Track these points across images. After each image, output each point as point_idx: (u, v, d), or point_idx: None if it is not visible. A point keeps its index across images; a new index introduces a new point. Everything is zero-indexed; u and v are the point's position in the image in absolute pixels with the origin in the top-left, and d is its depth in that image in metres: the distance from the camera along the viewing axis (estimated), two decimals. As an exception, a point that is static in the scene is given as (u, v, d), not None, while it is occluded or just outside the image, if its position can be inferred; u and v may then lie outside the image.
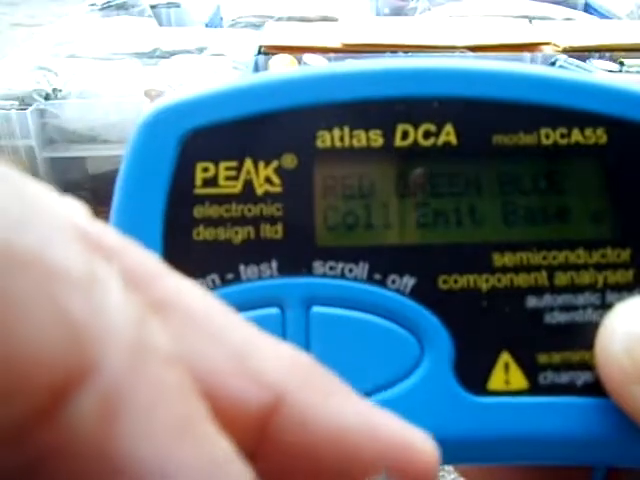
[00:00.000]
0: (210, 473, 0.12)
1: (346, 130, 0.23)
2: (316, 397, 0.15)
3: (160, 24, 1.83)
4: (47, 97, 1.59)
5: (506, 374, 0.22)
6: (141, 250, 0.15)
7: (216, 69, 1.49)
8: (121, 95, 1.50)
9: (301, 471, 0.15)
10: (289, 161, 0.22)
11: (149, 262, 0.15)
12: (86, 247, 0.13)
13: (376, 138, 0.23)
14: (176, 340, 0.14)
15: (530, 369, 0.22)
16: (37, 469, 0.12)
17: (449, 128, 0.23)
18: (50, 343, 0.11)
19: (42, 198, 0.13)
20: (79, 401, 0.12)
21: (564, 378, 0.22)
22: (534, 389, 0.22)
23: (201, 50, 1.61)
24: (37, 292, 0.12)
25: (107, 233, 0.14)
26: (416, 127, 0.23)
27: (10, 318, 0.11)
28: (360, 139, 0.23)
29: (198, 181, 0.22)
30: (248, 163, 0.22)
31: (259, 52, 1.43)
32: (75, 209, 0.14)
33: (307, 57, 1.32)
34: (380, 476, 0.13)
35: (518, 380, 0.22)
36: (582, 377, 0.22)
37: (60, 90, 1.60)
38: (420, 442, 0.15)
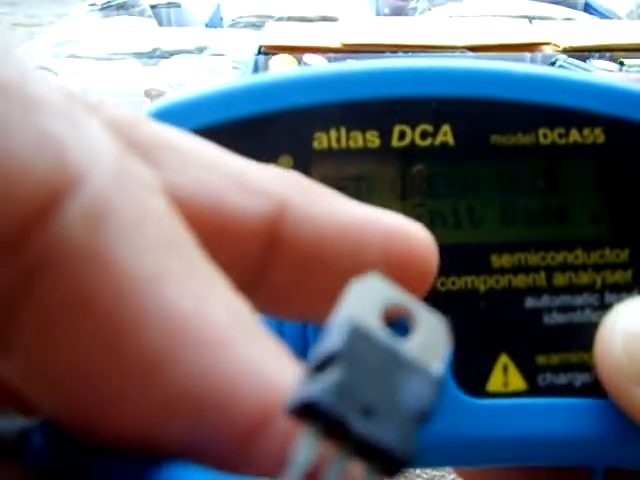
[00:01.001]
0: (201, 287, 0.12)
1: (343, 131, 0.22)
2: (316, 201, 0.16)
3: (160, 24, 1.83)
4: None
5: (505, 376, 0.22)
6: (118, 107, 0.15)
7: (216, 69, 1.49)
8: (121, 95, 1.50)
9: (313, 272, 0.15)
10: (286, 163, 0.22)
11: (128, 113, 0.15)
12: (66, 94, 0.13)
13: (373, 139, 0.23)
14: (172, 173, 0.14)
15: (529, 370, 0.22)
16: (32, 278, 0.12)
17: (446, 128, 0.23)
18: (36, 158, 0.12)
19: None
20: (67, 209, 0.12)
21: (563, 379, 0.22)
22: (533, 390, 0.22)
23: (201, 50, 1.60)
24: (20, 115, 0.12)
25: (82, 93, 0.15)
26: (413, 127, 0.23)
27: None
28: (357, 140, 0.22)
29: None
30: None
31: (259, 52, 1.43)
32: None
33: (307, 57, 1.32)
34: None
35: (517, 381, 0.22)
36: (581, 378, 0.22)
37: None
38: (419, 232, 0.16)
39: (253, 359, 0.12)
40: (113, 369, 0.12)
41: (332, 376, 0.12)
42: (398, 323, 0.13)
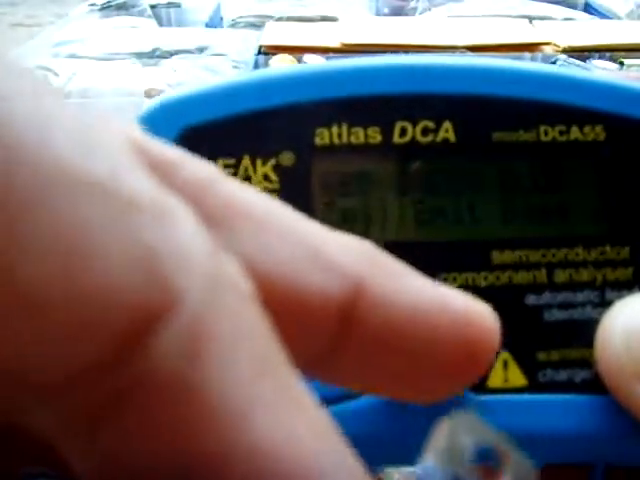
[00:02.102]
0: (290, 413, 0.12)
1: (344, 127, 0.22)
2: (390, 280, 0.15)
3: (160, 24, 1.83)
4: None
5: (505, 372, 0.22)
6: (194, 159, 0.14)
7: (216, 69, 1.49)
8: (121, 95, 1.50)
9: (383, 352, 0.15)
10: (287, 158, 0.22)
11: (205, 169, 0.14)
12: (150, 171, 0.12)
13: (374, 135, 0.23)
14: (247, 242, 0.14)
15: (529, 367, 0.22)
16: (121, 404, 0.11)
17: (447, 125, 0.23)
18: (129, 276, 0.11)
19: (97, 118, 0.13)
20: (162, 335, 0.11)
21: (563, 375, 0.22)
22: (533, 387, 0.22)
23: (201, 50, 1.60)
24: (110, 224, 0.11)
25: (161, 147, 0.14)
26: (414, 124, 0.23)
27: (87, 251, 0.11)
28: (358, 136, 0.23)
29: None
30: (246, 160, 0.22)
31: (259, 52, 1.43)
32: (129, 125, 0.14)
33: (307, 57, 1.32)
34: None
35: (517, 378, 0.22)
36: (581, 374, 0.22)
37: (60, 90, 1.60)
38: (488, 316, 0.16)
39: None
40: None
41: None
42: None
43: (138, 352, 0.11)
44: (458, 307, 0.16)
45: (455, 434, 0.13)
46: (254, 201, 0.15)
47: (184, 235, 0.12)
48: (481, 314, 0.16)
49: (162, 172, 0.13)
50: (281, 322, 0.13)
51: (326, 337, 0.15)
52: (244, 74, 0.22)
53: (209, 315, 0.12)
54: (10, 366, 0.11)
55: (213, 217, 0.14)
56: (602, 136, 0.23)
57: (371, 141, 0.23)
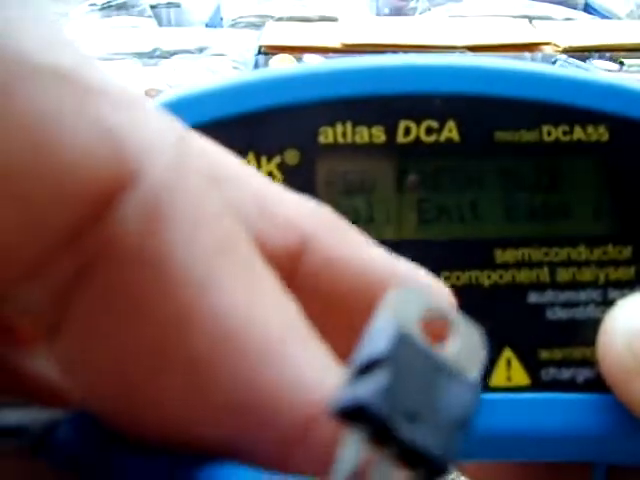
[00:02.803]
0: (251, 287, 0.12)
1: (349, 126, 0.23)
2: (340, 241, 0.15)
3: (160, 24, 1.82)
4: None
5: (508, 370, 0.22)
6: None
7: (216, 69, 1.49)
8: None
9: (326, 311, 0.15)
10: (291, 157, 0.22)
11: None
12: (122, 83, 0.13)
13: (378, 134, 0.23)
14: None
15: (532, 365, 0.22)
16: (85, 272, 0.12)
17: (451, 125, 0.23)
18: (94, 152, 0.12)
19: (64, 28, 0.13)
20: (124, 206, 0.12)
21: (566, 374, 0.22)
22: (536, 385, 0.22)
23: (201, 50, 1.60)
24: (77, 105, 0.12)
25: None
26: (418, 123, 0.23)
27: (54, 129, 0.11)
28: (362, 135, 0.23)
29: None
30: (250, 158, 0.22)
31: (259, 52, 1.43)
32: None
33: (307, 57, 1.32)
34: None
35: (520, 376, 0.22)
36: (584, 373, 0.22)
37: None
38: (435, 282, 0.16)
39: (299, 366, 0.12)
40: (158, 369, 0.12)
41: (379, 379, 0.12)
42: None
43: (101, 224, 0.12)
44: (408, 278, 0.16)
45: (405, 298, 0.13)
46: (212, 147, 0.15)
47: (150, 120, 0.13)
48: (429, 283, 0.16)
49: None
50: None
51: None
52: (249, 73, 0.22)
53: (171, 192, 0.12)
54: None
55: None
56: (605, 136, 0.23)
57: (375, 140, 0.23)
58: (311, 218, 0.15)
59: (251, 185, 0.15)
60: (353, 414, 0.12)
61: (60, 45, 0.12)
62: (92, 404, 0.13)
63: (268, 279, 0.13)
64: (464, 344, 0.13)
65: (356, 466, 0.12)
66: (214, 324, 0.12)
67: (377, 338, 0.12)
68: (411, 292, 0.13)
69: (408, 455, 0.12)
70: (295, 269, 0.15)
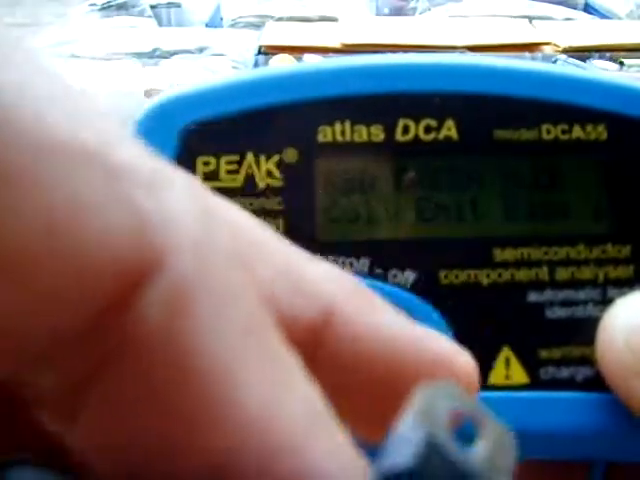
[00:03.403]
0: (276, 375, 0.12)
1: (347, 125, 0.23)
2: (364, 310, 0.15)
3: (160, 24, 1.82)
4: (47, 97, 1.58)
5: (507, 369, 0.22)
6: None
7: (216, 69, 1.49)
8: (121, 95, 1.50)
9: (351, 384, 0.15)
10: (290, 155, 0.22)
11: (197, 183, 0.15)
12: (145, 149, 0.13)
13: (377, 133, 0.23)
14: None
15: (531, 364, 0.22)
16: (108, 364, 0.12)
17: (450, 123, 0.23)
18: (116, 236, 0.11)
19: (90, 97, 0.13)
20: (148, 294, 0.11)
21: (565, 373, 0.22)
22: (535, 384, 0.22)
23: (201, 50, 1.60)
24: (103, 188, 0.11)
25: None
26: (417, 122, 0.23)
27: (78, 213, 0.11)
28: (361, 134, 0.23)
29: (199, 175, 0.22)
30: (249, 157, 0.22)
31: (259, 52, 1.43)
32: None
33: (307, 57, 1.32)
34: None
35: (519, 375, 0.22)
36: (583, 372, 0.22)
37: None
38: (463, 358, 0.16)
39: (324, 460, 0.12)
40: (177, 461, 0.12)
41: None
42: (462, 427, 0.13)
43: (125, 311, 0.11)
44: (433, 348, 0.15)
45: (433, 398, 0.13)
46: (237, 215, 0.15)
47: (176, 200, 0.12)
48: (458, 359, 0.16)
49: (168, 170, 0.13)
50: None
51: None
52: (248, 71, 0.22)
53: (196, 275, 0.12)
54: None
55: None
56: (604, 135, 0.23)
57: (374, 139, 0.23)
58: (336, 290, 0.15)
59: (275, 253, 0.15)
60: None
61: (86, 119, 0.12)
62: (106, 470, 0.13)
63: (294, 367, 0.13)
64: (494, 447, 0.13)
65: None
66: (236, 417, 0.12)
67: (403, 445, 0.12)
68: (439, 391, 0.13)
69: None
70: (319, 340, 0.15)
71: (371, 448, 0.13)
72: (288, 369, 0.13)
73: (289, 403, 0.12)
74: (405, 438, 0.12)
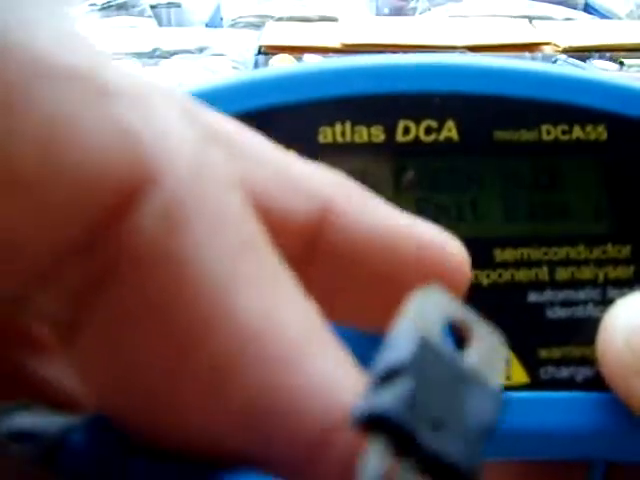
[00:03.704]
0: (273, 292, 0.12)
1: (348, 125, 0.23)
2: (358, 206, 0.15)
3: (160, 24, 1.82)
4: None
5: (507, 369, 0.22)
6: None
7: (216, 69, 1.49)
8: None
9: (350, 277, 0.15)
10: None
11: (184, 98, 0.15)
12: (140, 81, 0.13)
13: (378, 134, 0.23)
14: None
15: (531, 364, 0.22)
16: (105, 275, 0.12)
17: (450, 124, 0.23)
18: (110, 152, 0.12)
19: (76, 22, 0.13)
20: (143, 207, 0.12)
21: (565, 373, 0.22)
22: (535, 384, 0.22)
23: (201, 50, 1.60)
24: (92, 105, 0.12)
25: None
26: (417, 123, 0.23)
27: (69, 130, 0.11)
28: (362, 134, 0.23)
29: None
30: None
31: (259, 52, 1.43)
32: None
33: (307, 57, 1.32)
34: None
35: (519, 374, 0.22)
36: (583, 372, 0.22)
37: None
38: (454, 245, 0.16)
39: (319, 373, 0.12)
40: (179, 374, 0.12)
41: (401, 388, 0.12)
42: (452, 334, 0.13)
43: (120, 226, 0.12)
44: (425, 236, 0.16)
45: (426, 304, 0.13)
46: (233, 127, 0.15)
47: (166, 119, 0.12)
48: (450, 246, 0.16)
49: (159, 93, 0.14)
50: None
51: (289, 258, 0.15)
52: (248, 72, 0.22)
53: (189, 192, 0.12)
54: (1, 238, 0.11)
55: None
56: (604, 135, 0.23)
57: (374, 139, 0.23)
58: (332, 186, 0.15)
59: (271, 158, 0.15)
60: (375, 423, 0.11)
61: (75, 45, 0.12)
62: (109, 409, 0.13)
63: (288, 282, 0.13)
64: (485, 349, 0.13)
65: (379, 476, 0.11)
66: (235, 328, 0.12)
67: (399, 345, 0.12)
68: (432, 295, 0.13)
69: (432, 465, 0.12)
70: (318, 236, 0.15)
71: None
72: (285, 285, 0.13)
73: (287, 316, 0.12)
74: (400, 340, 0.12)
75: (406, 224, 0.16)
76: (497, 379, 0.13)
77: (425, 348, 0.12)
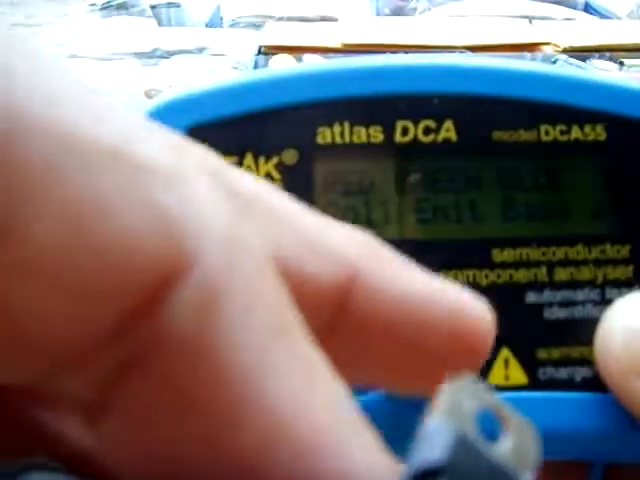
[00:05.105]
0: (304, 380, 0.12)
1: (346, 126, 0.23)
2: (387, 271, 0.15)
3: (160, 24, 1.82)
4: (47, 97, 1.59)
5: (506, 369, 0.22)
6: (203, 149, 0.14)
7: (216, 69, 1.49)
8: (121, 95, 1.50)
9: (379, 344, 0.15)
10: (289, 157, 0.23)
11: (214, 158, 0.14)
12: (167, 140, 0.13)
13: (376, 134, 0.23)
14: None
15: (529, 364, 0.22)
16: (137, 363, 0.12)
17: (449, 124, 0.23)
18: (147, 238, 0.11)
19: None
20: (178, 294, 0.11)
21: (563, 373, 0.22)
22: (533, 384, 0.22)
23: (201, 50, 1.60)
24: (126, 187, 0.11)
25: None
26: (416, 123, 0.23)
27: (101, 211, 0.11)
28: (360, 135, 0.23)
29: None
30: (248, 158, 0.22)
31: (259, 52, 1.43)
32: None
33: (307, 57, 1.32)
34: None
35: (517, 375, 0.22)
36: (581, 372, 0.22)
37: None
38: (483, 310, 0.16)
39: (351, 459, 0.12)
40: (207, 462, 0.12)
41: None
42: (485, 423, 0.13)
43: (154, 312, 0.11)
44: (452, 300, 0.16)
45: (458, 395, 0.13)
46: (259, 189, 0.15)
47: (200, 197, 0.12)
48: (476, 309, 0.16)
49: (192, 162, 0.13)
50: None
51: (318, 324, 0.15)
52: (246, 73, 0.22)
53: (224, 277, 0.12)
54: (32, 327, 0.11)
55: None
56: (603, 136, 0.23)
57: (373, 140, 0.23)
58: (360, 250, 0.15)
59: (298, 222, 0.15)
60: None
61: (107, 116, 0.12)
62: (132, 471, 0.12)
63: (319, 366, 0.13)
64: (518, 441, 0.13)
65: None
66: (265, 416, 0.12)
67: (435, 442, 0.12)
68: (466, 386, 0.13)
69: None
70: (345, 302, 0.15)
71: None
72: (316, 369, 0.13)
73: (316, 400, 0.12)
74: (435, 435, 0.12)
75: (436, 289, 0.16)
76: (529, 473, 0.13)
77: (461, 446, 0.12)
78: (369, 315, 0.15)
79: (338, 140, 0.23)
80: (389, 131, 0.23)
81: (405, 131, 0.23)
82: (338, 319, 0.15)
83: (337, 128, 0.23)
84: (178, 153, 0.13)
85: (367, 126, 0.23)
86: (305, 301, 0.14)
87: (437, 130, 0.23)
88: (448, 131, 0.23)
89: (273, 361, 0.12)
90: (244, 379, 0.12)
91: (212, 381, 0.12)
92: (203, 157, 0.14)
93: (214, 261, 0.12)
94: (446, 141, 0.23)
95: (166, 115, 0.22)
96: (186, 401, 0.12)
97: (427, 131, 0.23)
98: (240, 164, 0.22)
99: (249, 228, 0.13)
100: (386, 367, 0.16)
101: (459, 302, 0.16)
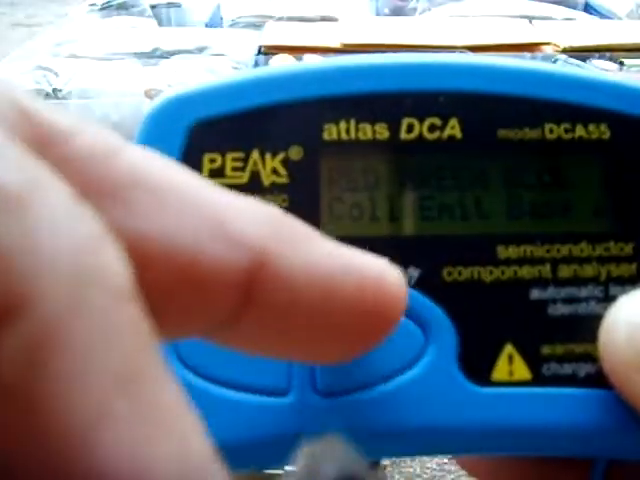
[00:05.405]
0: (147, 429, 0.11)
1: (352, 123, 0.23)
2: (293, 247, 0.15)
3: (160, 24, 1.83)
4: (47, 97, 1.59)
5: (510, 365, 0.22)
6: (95, 129, 0.14)
7: (216, 69, 1.49)
8: (121, 95, 1.50)
9: (287, 318, 0.15)
10: (295, 153, 0.23)
11: (105, 139, 0.14)
12: (27, 141, 0.12)
13: (382, 131, 0.23)
14: (145, 216, 0.14)
15: (533, 360, 0.22)
16: None
17: (454, 122, 0.23)
18: None
19: None
20: (7, 343, 0.10)
21: (567, 369, 0.22)
22: (537, 380, 0.22)
23: (201, 50, 1.60)
24: None
25: (54, 115, 0.13)
26: (421, 121, 0.23)
27: None
28: (366, 132, 0.23)
29: (205, 172, 0.22)
30: (255, 154, 0.23)
31: (259, 52, 1.44)
32: (12, 85, 0.13)
33: (307, 57, 1.32)
34: None
35: (521, 371, 0.22)
36: (585, 368, 0.22)
37: (60, 90, 1.60)
38: (391, 274, 0.17)
39: None
40: None
41: None
42: None
43: None
44: (360, 271, 0.16)
45: (316, 459, 0.13)
46: (157, 172, 0.14)
47: (55, 220, 0.11)
48: (385, 275, 0.16)
49: (46, 143, 0.13)
50: (181, 294, 0.14)
51: (228, 306, 0.15)
52: (253, 70, 0.22)
53: (66, 319, 0.10)
54: None
55: (106, 191, 0.13)
56: (607, 134, 0.23)
57: (378, 137, 0.23)
58: (264, 228, 0.15)
59: (197, 201, 0.14)
60: None
61: None
62: None
63: (166, 411, 0.11)
64: None
65: None
66: (98, 469, 0.10)
67: None
68: (325, 450, 0.13)
69: None
70: (254, 284, 0.15)
71: None
72: (163, 415, 0.11)
73: (162, 455, 0.11)
74: None
75: (343, 260, 0.16)
76: None
77: None
78: (279, 293, 0.15)
79: (344, 137, 0.23)
80: (394, 128, 0.23)
81: (410, 128, 0.23)
82: (249, 301, 0.15)
83: (343, 125, 0.23)
84: (44, 155, 0.12)
85: (373, 123, 0.23)
86: (209, 286, 0.14)
87: (442, 127, 0.23)
88: (453, 129, 0.23)
89: (113, 412, 0.11)
90: (76, 434, 0.10)
91: (41, 435, 0.10)
92: (87, 142, 0.13)
93: (50, 302, 0.10)
94: (451, 138, 0.23)
95: (174, 110, 0.23)
96: (16, 456, 0.10)
97: (432, 128, 0.23)
98: (247, 160, 0.23)
99: (110, 250, 0.11)
100: (296, 341, 0.16)
101: (367, 268, 0.16)
